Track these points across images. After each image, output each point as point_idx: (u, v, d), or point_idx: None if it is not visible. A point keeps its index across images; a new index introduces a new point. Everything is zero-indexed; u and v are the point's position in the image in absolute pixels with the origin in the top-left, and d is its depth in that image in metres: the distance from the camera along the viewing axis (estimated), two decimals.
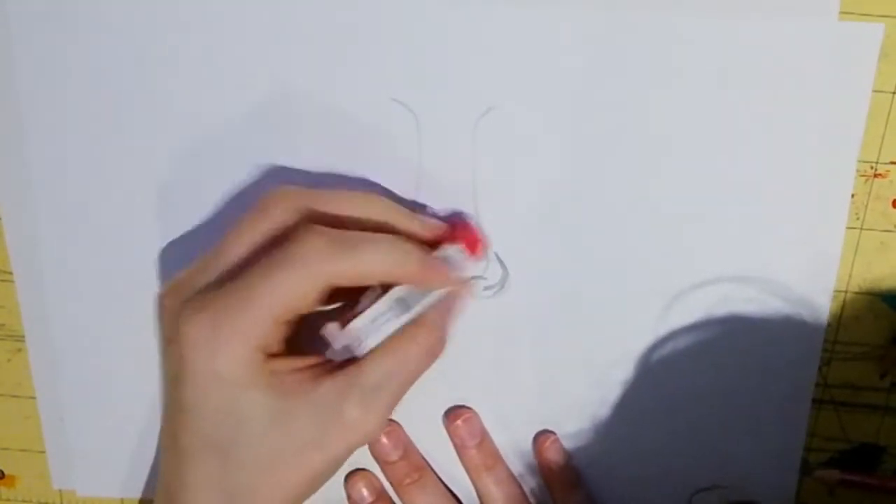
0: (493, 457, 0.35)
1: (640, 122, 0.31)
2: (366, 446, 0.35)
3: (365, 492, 0.35)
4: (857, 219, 0.33)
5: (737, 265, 0.33)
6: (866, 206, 0.33)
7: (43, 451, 0.36)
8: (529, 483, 0.36)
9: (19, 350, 0.35)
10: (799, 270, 0.33)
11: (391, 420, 0.35)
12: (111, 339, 0.34)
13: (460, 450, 0.35)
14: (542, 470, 0.36)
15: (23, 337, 0.35)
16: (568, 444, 0.36)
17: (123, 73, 0.31)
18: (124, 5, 0.30)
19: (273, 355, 0.28)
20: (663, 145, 0.32)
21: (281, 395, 0.27)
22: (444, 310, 0.30)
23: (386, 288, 0.29)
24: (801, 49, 0.30)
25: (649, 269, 0.33)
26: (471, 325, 0.33)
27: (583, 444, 0.35)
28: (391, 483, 0.35)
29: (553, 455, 0.35)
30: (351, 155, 0.32)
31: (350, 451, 0.29)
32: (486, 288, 0.33)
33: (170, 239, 0.33)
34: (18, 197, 0.33)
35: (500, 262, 0.33)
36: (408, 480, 0.35)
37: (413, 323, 0.29)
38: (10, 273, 0.34)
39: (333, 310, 0.30)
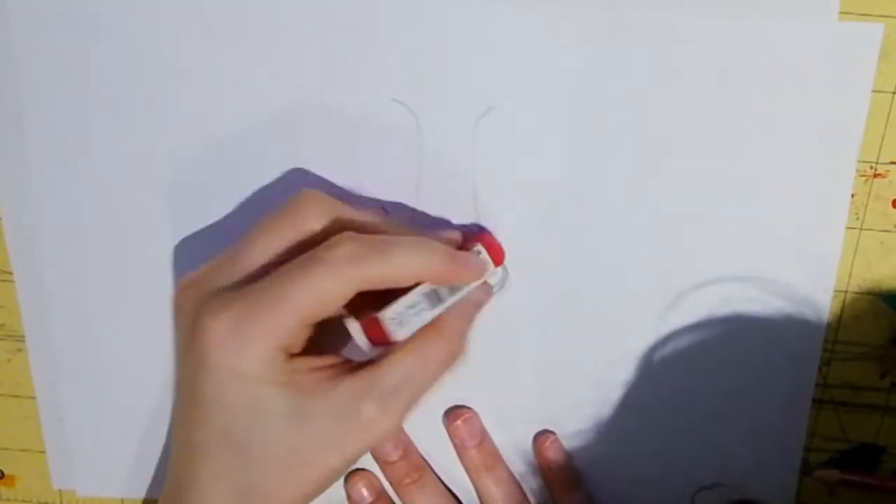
0: (493, 457, 0.35)
1: (640, 122, 0.31)
2: None
3: (365, 492, 0.36)
4: (857, 219, 0.33)
5: (737, 265, 0.33)
6: (866, 206, 0.33)
7: (43, 451, 0.36)
8: (529, 483, 0.36)
9: (19, 350, 0.35)
10: (799, 270, 0.33)
11: None
12: (111, 339, 0.34)
13: (460, 450, 0.35)
14: (543, 470, 0.36)
15: (23, 337, 0.35)
16: (568, 444, 0.36)
17: (123, 73, 0.31)
18: (125, 6, 0.30)
19: (293, 355, 0.28)
20: (663, 145, 0.32)
21: (299, 394, 0.27)
22: (464, 314, 0.30)
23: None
24: (801, 49, 0.30)
25: (649, 269, 0.33)
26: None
27: (583, 444, 0.35)
28: (391, 483, 0.35)
29: (553, 455, 0.35)
30: (351, 155, 0.32)
31: (365, 452, 0.28)
32: None
33: (170, 239, 0.33)
34: (18, 197, 0.33)
35: None
36: (407, 480, 0.35)
37: (433, 326, 0.29)
38: (10, 273, 0.34)
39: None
